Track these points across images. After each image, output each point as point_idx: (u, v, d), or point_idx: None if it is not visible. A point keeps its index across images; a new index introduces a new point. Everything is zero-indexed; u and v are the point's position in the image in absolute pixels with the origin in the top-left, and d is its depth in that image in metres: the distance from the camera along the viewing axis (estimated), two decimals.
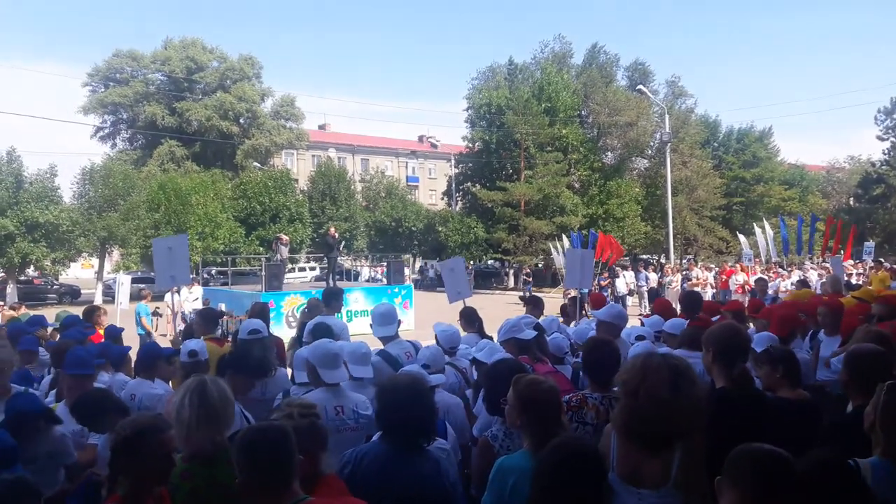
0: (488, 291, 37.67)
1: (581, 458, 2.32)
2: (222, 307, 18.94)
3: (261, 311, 6.77)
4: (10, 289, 30.96)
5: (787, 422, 2.95)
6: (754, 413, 2.90)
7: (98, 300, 30.21)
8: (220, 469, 2.63)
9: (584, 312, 10.59)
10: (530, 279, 35.21)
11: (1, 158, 31.34)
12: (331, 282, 20.74)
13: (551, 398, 2.90)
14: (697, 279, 23.10)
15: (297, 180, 51.81)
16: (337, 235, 22.83)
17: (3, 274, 32.77)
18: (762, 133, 54.82)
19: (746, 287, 20.06)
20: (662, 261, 40.43)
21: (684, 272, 26.00)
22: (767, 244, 26.99)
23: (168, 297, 17.44)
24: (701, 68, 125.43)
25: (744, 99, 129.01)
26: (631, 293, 24.37)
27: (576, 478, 2.26)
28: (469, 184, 47.58)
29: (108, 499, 2.55)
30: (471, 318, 6.57)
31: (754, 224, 30.82)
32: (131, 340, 5.99)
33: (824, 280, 13.96)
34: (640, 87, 42.70)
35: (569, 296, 21.08)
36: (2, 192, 29.83)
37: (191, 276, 21.67)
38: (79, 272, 47.17)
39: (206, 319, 6.43)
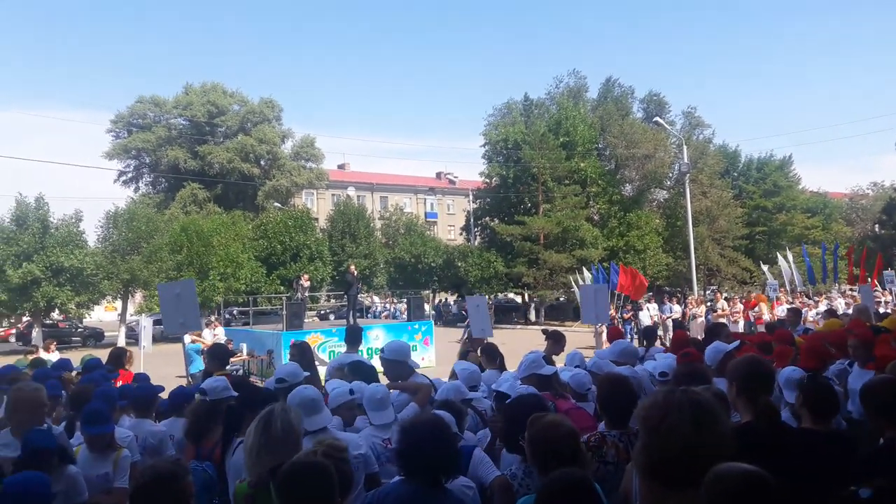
0: (509, 326, 37.42)
1: (574, 489, 2.32)
2: (244, 347, 19.06)
3: (302, 351, 6.68)
4: (36, 332, 31.35)
5: (817, 454, 2.86)
6: (781, 446, 2.82)
7: (121, 342, 30.46)
8: None
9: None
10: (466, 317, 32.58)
11: (29, 205, 32.03)
12: (351, 319, 20.78)
13: (568, 441, 2.85)
14: (723, 310, 22.71)
15: (317, 219, 52.40)
16: (356, 273, 22.93)
17: (29, 318, 33.23)
18: (782, 161, 54.51)
19: (772, 318, 19.70)
20: (686, 292, 40.00)
21: (708, 303, 25.65)
22: (792, 273, 26.63)
23: (186, 338, 17.61)
24: (717, 98, 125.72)
25: (762, 128, 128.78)
26: (655, 326, 24.05)
27: None
28: (487, 218, 47.69)
29: None
30: (492, 355, 6.50)
31: (777, 253, 30.47)
32: (165, 381, 5.97)
33: (851, 310, 13.67)
34: (657, 118, 42.82)
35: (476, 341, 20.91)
36: (29, 237, 30.43)
37: (212, 318, 21.89)
38: (102, 315, 47.73)
39: (214, 357, 6.50)
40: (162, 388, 5.42)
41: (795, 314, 12.22)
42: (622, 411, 3.47)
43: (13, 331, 37.16)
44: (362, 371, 5.34)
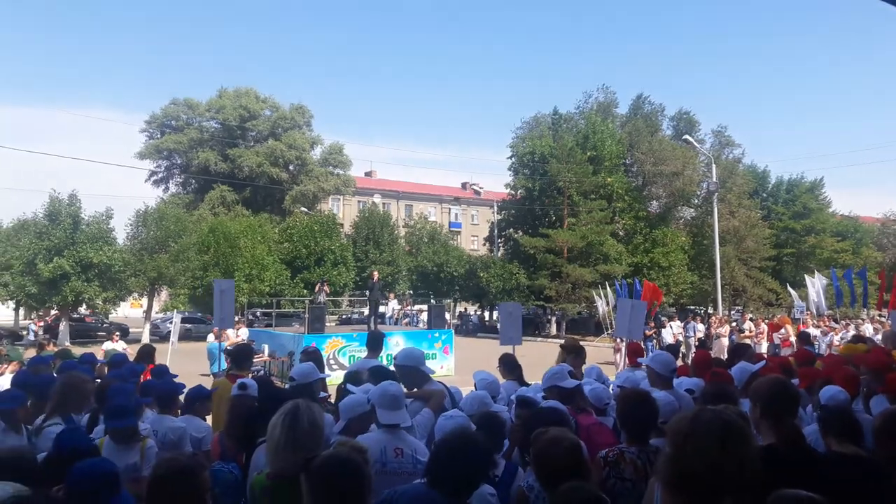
0: (529, 338, 37.23)
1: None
2: (265, 348, 19.21)
3: (313, 358, 6.70)
4: (63, 326, 31.86)
5: (844, 479, 2.80)
6: (805, 470, 2.77)
7: (146, 339, 30.87)
8: (300, 493, 2.70)
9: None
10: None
11: (62, 201, 32.62)
12: (372, 325, 20.86)
13: (569, 460, 2.85)
14: (750, 331, 22.39)
15: (342, 225, 52.72)
16: (379, 279, 23.04)
17: (57, 312, 33.80)
18: (813, 184, 53.68)
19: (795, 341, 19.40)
20: (710, 311, 39.53)
21: (733, 323, 25.26)
22: (819, 297, 26.17)
23: (210, 337, 17.93)
24: (748, 118, 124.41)
25: (793, 149, 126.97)
26: (678, 343, 23.76)
27: None
28: (511, 230, 47.65)
29: None
30: (510, 365, 6.46)
31: (805, 276, 30.00)
32: (188, 379, 6.04)
33: (880, 335, 13.40)
34: (686, 136, 42.47)
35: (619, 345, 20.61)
36: (60, 232, 30.98)
37: (236, 319, 22.16)
38: (128, 311, 48.43)
39: (237, 356, 6.60)
40: (184, 386, 5.49)
41: (804, 338, 11.96)
42: (641, 427, 3.47)
43: (41, 324, 37.84)
44: (383, 376, 5.34)
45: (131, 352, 9.99)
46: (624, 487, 3.17)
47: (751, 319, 25.84)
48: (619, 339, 20.99)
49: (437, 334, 21.66)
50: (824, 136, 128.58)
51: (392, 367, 6.29)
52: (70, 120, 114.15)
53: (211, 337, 16.89)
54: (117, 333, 17.23)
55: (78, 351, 11.17)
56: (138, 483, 3.96)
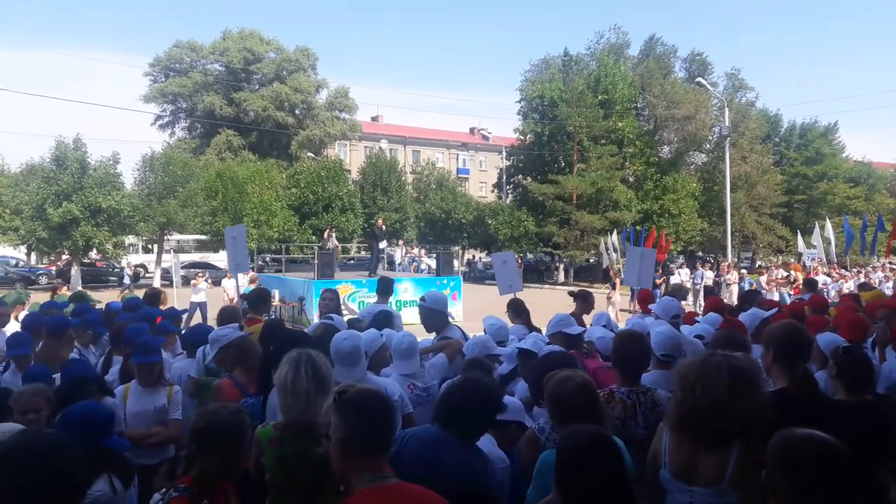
0: (537, 285, 37.37)
1: (593, 445, 2.29)
2: (276, 294, 19.38)
3: (335, 297, 7.12)
4: (75, 271, 32.16)
5: (855, 426, 2.80)
6: (815, 416, 2.77)
7: (157, 283, 31.15)
8: (308, 440, 2.75)
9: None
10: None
11: (68, 145, 32.49)
12: (373, 271, 21.06)
13: (580, 396, 2.87)
14: (777, 279, 22.28)
15: (349, 171, 52.44)
16: (384, 227, 23.04)
17: (68, 256, 34.07)
18: (826, 128, 52.74)
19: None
20: (719, 258, 39.47)
21: (742, 271, 25.19)
22: (830, 243, 26.02)
23: (224, 282, 18.09)
24: (762, 61, 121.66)
25: (807, 93, 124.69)
26: (685, 291, 23.81)
27: (591, 465, 2.22)
28: (520, 176, 47.20)
29: (182, 477, 2.63)
30: (518, 310, 6.52)
31: (816, 223, 29.77)
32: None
33: (890, 283, 13.36)
34: (699, 79, 41.56)
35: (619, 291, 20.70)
36: (68, 177, 30.96)
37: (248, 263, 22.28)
38: (142, 256, 48.73)
39: (254, 301, 6.67)
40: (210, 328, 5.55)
41: (810, 285, 11.81)
42: (632, 367, 3.54)
43: (53, 268, 38.19)
44: (384, 320, 5.39)
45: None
46: (613, 426, 3.21)
47: (759, 267, 25.82)
48: (611, 288, 21.16)
49: (445, 281, 21.77)
50: (839, 79, 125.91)
51: (400, 313, 6.39)
52: (73, 63, 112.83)
53: (228, 282, 17.14)
54: (204, 273, 18.50)
55: (90, 294, 11.25)
56: (167, 426, 4.06)
